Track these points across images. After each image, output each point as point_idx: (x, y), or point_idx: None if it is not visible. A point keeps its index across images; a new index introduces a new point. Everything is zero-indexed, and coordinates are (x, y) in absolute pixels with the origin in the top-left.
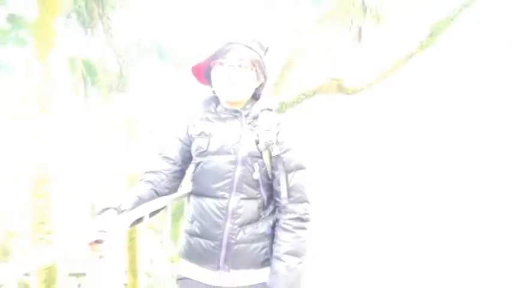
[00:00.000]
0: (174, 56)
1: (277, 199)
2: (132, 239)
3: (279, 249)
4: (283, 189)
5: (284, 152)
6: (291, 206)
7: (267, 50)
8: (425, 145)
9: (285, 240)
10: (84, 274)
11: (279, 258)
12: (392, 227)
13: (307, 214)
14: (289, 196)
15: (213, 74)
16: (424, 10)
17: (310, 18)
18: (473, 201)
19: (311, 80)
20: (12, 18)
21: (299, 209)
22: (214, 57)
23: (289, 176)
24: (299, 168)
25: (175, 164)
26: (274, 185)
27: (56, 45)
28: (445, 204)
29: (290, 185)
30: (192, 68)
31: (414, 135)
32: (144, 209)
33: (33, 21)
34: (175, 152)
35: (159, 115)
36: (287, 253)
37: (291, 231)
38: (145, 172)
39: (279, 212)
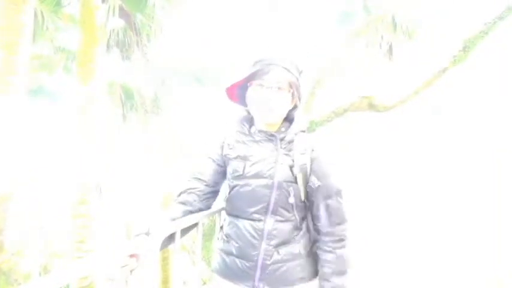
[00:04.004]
0: (208, 79)
1: (317, 224)
2: (165, 259)
3: (325, 270)
4: (323, 215)
5: (321, 180)
6: (330, 229)
7: (301, 73)
8: (459, 161)
9: (328, 261)
10: None
11: (326, 280)
12: (428, 245)
13: (345, 233)
14: (330, 221)
15: (251, 94)
16: (457, 24)
17: (340, 36)
18: None
19: (341, 98)
20: (60, 50)
21: (338, 230)
22: (252, 78)
23: (329, 201)
24: (337, 192)
25: (207, 185)
26: (312, 210)
27: (97, 71)
28: (489, 225)
29: (330, 210)
30: (227, 87)
31: (448, 152)
32: (176, 226)
33: (76, 52)
34: (208, 174)
35: (194, 136)
36: (332, 274)
37: (333, 252)
38: (179, 193)
39: (318, 234)
